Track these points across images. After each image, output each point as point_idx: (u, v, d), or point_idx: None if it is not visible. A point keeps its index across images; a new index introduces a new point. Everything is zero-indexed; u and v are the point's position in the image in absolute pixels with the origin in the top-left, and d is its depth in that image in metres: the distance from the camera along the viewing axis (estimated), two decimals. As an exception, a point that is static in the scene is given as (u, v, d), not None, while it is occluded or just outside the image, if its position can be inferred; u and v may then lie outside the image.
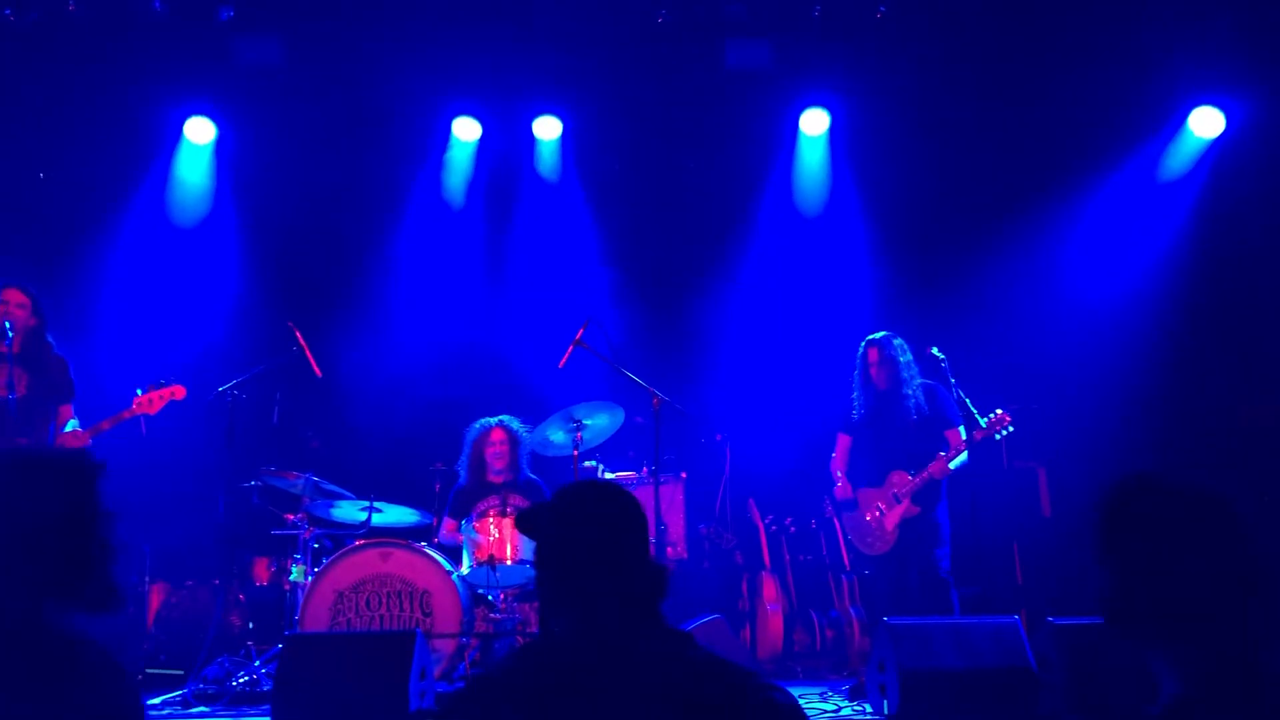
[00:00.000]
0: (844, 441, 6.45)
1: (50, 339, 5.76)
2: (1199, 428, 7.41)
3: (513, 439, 6.69)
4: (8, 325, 5.50)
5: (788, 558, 7.60)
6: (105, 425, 5.67)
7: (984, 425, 5.82)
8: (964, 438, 5.93)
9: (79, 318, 7.34)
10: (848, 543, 7.43)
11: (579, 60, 7.76)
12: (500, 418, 6.76)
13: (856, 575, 7.37)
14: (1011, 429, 5.82)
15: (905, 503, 6.03)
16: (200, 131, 7.93)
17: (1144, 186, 7.83)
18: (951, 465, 5.92)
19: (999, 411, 5.85)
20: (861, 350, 6.32)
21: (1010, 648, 4.72)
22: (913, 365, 6.22)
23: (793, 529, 7.71)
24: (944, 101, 7.78)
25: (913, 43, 7.58)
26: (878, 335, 6.29)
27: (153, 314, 7.76)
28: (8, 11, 7.02)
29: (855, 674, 6.30)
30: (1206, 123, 7.59)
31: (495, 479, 6.69)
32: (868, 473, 6.27)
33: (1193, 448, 7.26)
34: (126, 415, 5.70)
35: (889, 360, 6.17)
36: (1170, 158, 7.81)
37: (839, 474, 6.37)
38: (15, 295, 5.58)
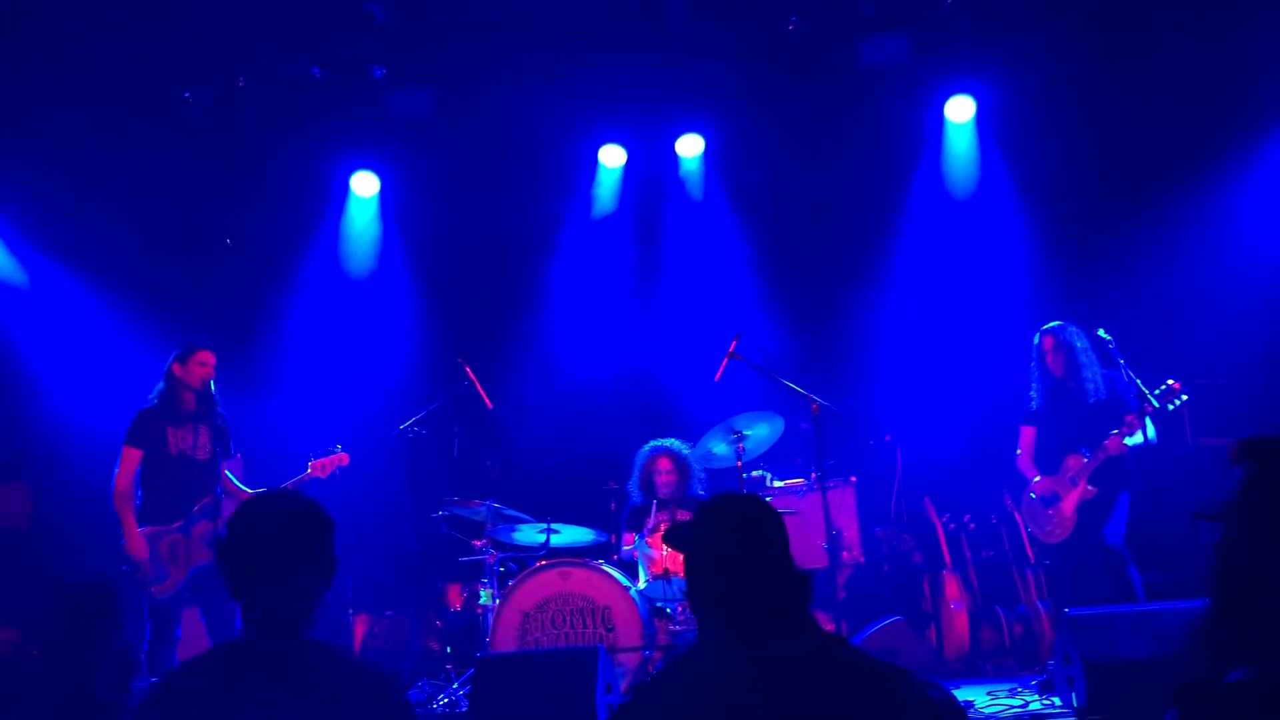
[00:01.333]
0: (1028, 434, 6.38)
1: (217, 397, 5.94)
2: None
3: (677, 463, 6.82)
4: (212, 385, 5.83)
5: (969, 555, 7.46)
6: (289, 486, 5.94)
7: (1155, 397, 5.71)
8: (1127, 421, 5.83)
9: (267, 370, 7.92)
10: (1030, 536, 7.27)
11: (715, 76, 7.86)
12: (665, 443, 6.88)
13: (1042, 568, 7.18)
14: (1185, 398, 5.70)
15: (1082, 485, 5.95)
16: (365, 185, 8.42)
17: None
18: (1128, 442, 5.79)
19: (1171, 382, 5.74)
20: (1037, 340, 6.29)
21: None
22: (1090, 352, 6.14)
23: (972, 525, 7.56)
24: (1088, 80, 7.55)
25: (1052, 20, 7.38)
26: (1052, 324, 6.26)
27: (334, 362, 8.28)
28: (187, 95, 7.62)
29: (1046, 669, 6.14)
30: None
31: (664, 495, 6.84)
32: (1047, 462, 6.21)
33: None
34: (305, 479, 6.04)
35: (1065, 347, 6.13)
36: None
37: (1032, 472, 6.28)
38: (211, 358, 5.89)
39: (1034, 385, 6.33)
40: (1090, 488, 5.93)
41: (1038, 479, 6.22)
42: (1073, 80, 7.59)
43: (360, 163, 8.37)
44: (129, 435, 5.72)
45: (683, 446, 6.89)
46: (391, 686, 2.32)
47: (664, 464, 6.83)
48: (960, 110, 8.02)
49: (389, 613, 7.54)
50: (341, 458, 6.16)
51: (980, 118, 8.03)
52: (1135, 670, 4.40)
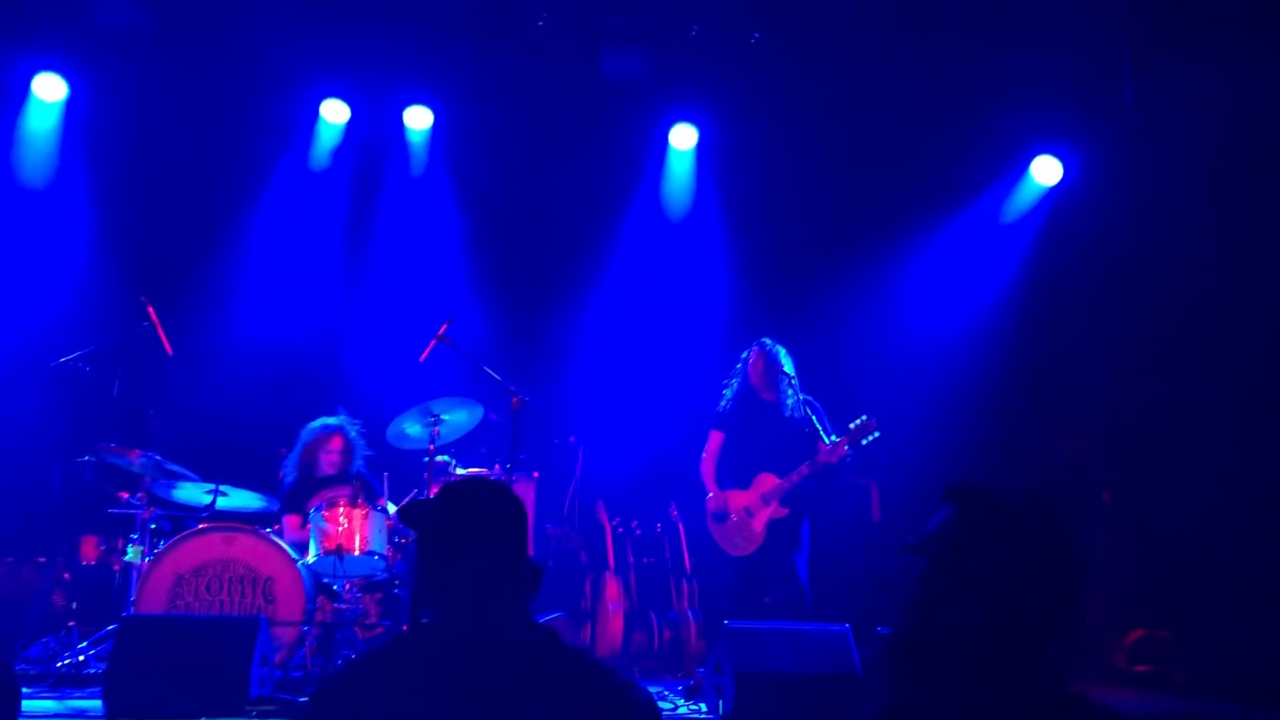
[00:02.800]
0: (715, 439, 6.49)
1: None
2: (1018, 452, 7.91)
3: (347, 441, 6.65)
4: None
5: (631, 560, 7.76)
6: None
7: (851, 429, 5.95)
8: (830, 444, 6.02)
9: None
10: (690, 547, 7.68)
11: (456, 53, 7.77)
12: (337, 421, 6.67)
13: (697, 579, 7.59)
14: (878, 435, 5.95)
15: (774, 504, 6.13)
16: (50, 89, 7.59)
17: (985, 228, 8.32)
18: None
19: (865, 417, 5.98)
20: (746, 354, 6.42)
21: (840, 654, 4.99)
22: (794, 378, 6.31)
23: (638, 532, 7.88)
24: (806, 130, 8.12)
25: (781, 71, 7.89)
26: (765, 340, 6.41)
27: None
28: None
29: (691, 675, 6.49)
30: (1047, 171, 8.12)
31: (325, 474, 6.63)
32: (734, 474, 6.34)
33: (1010, 469, 7.73)
34: None
35: (771, 361, 6.27)
36: (1012, 202, 8.33)
37: (711, 485, 6.41)
38: None
39: (728, 392, 6.47)
40: (782, 508, 6.12)
41: (711, 495, 6.40)
42: (788, 130, 8.13)
43: (48, 63, 7.52)
44: None
45: (354, 424, 6.72)
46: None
47: (336, 443, 6.63)
48: (684, 138, 8.37)
49: (9, 559, 6.82)
50: None
51: (701, 148, 8.41)
52: (781, 683, 4.76)
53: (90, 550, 6.72)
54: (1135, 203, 7.69)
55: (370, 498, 6.28)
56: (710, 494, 6.43)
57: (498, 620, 2.21)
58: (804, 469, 6.05)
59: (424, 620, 2.28)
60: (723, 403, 6.52)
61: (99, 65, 7.58)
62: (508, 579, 2.22)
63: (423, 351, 6.30)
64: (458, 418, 6.43)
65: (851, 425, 5.99)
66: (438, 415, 6.29)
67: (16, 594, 6.59)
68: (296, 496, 6.58)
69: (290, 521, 6.51)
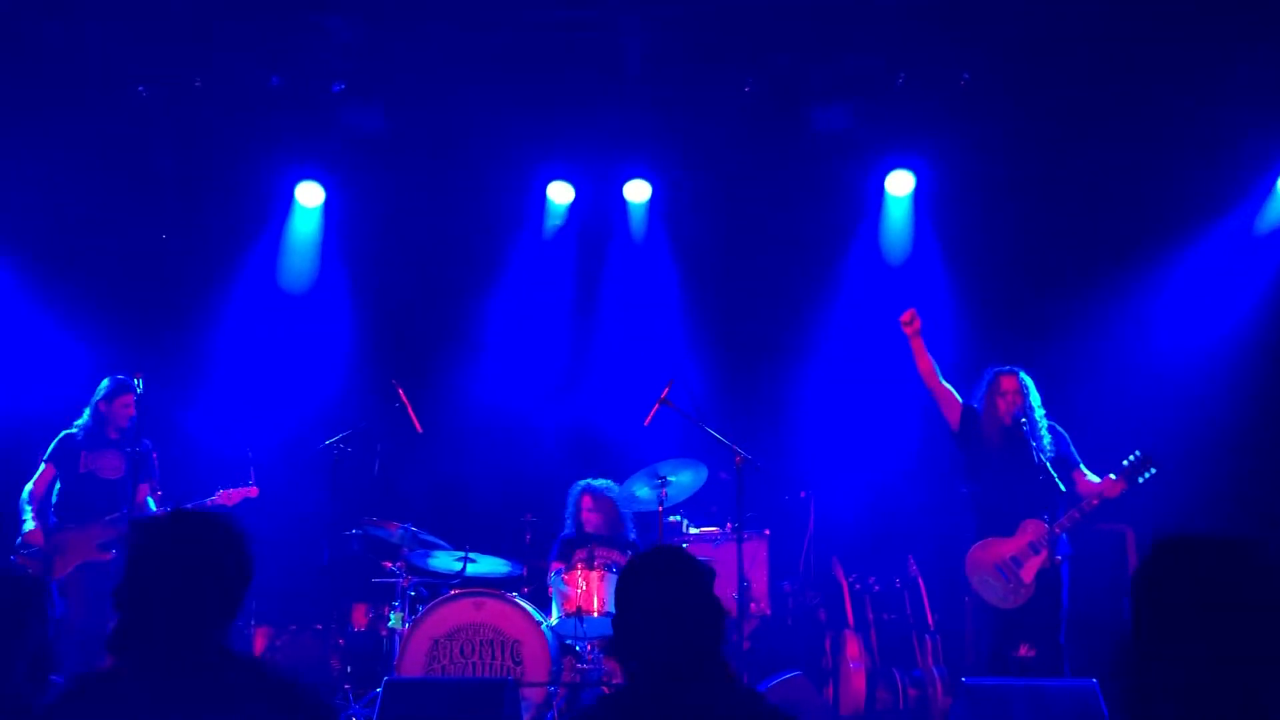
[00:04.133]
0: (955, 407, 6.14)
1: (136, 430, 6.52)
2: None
3: (598, 501, 6.94)
4: (131, 421, 6.46)
5: (871, 616, 7.62)
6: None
7: (1126, 465, 5.49)
8: (1097, 479, 5.62)
9: (196, 377, 7.84)
10: (932, 602, 7.48)
11: (669, 125, 8.04)
12: (589, 482, 7.02)
13: (940, 635, 7.38)
14: (1155, 471, 5.46)
15: (1044, 553, 5.72)
16: (310, 195, 8.38)
17: (1231, 246, 7.79)
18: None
19: (1139, 452, 5.51)
20: (992, 377, 6.07)
21: (1089, 712, 4.75)
22: (1040, 405, 5.95)
23: (876, 588, 7.74)
24: (1028, 164, 7.87)
25: (997, 106, 7.69)
26: (1010, 367, 6.08)
27: (267, 376, 8.19)
28: (141, 89, 7.56)
29: (938, 734, 6.31)
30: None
31: (591, 531, 6.94)
32: (993, 517, 5.96)
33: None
34: (208, 505, 6.54)
35: (1024, 391, 5.92)
36: (1260, 216, 7.77)
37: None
38: (132, 398, 6.47)
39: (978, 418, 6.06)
40: (1057, 557, 5.73)
41: (982, 542, 5.95)
42: (1010, 166, 7.91)
43: (307, 173, 8.33)
44: (48, 453, 6.62)
45: (608, 486, 6.99)
46: (313, 698, 2.37)
47: (586, 501, 6.95)
48: (900, 184, 8.28)
49: (292, 627, 7.45)
50: (250, 490, 6.68)
51: (919, 193, 8.30)
52: (1024, 743, 4.58)
53: (360, 617, 7.28)
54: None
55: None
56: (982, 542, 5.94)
57: (685, 672, 2.31)
58: (1075, 512, 5.65)
59: (631, 683, 2.41)
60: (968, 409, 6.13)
61: (346, 169, 8.31)
62: (688, 630, 2.32)
63: (647, 415, 6.49)
64: (683, 479, 6.59)
65: (1126, 461, 5.52)
66: (664, 477, 6.46)
67: (298, 660, 7.21)
68: (567, 548, 6.90)
69: (556, 565, 6.79)
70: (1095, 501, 5.64)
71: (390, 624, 6.50)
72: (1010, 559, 5.85)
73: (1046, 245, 7.98)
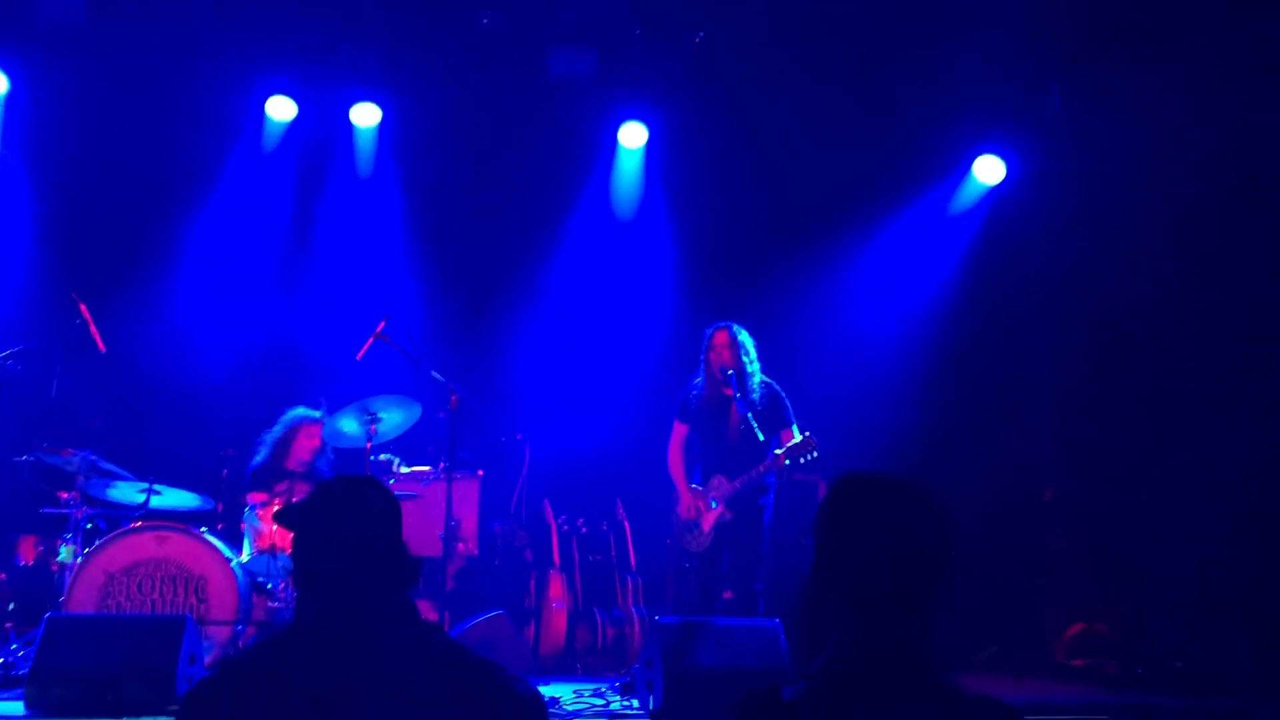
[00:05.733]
0: (679, 431, 6.30)
1: None
2: (961, 447, 7.97)
3: (312, 435, 6.64)
4: None
5: (577, 557, 7.77)
6: None
7: (790, 446, 5.76)
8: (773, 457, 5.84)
9: None
10: (636, 544, 7.71)
11: (402, 50, 7.75)
12: (318, 414, 6.67)
13: (642, 576, 7.61)
14: (816, 454, 5.74)
15: (720, 508, 6.00)
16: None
17: (928, 225, 8.39)
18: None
19: (807, 434, 5.79)
20: (708, 334, 6.18)
21: (770, 649, 5.01)
22: (755, 359, 6.13)
23: (584, 529, 7.89)
24: (754, 128, 8.16)
25: (726, 70, 7.92)
26: (723, 323, 6.20)
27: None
28: None
29: (630, 672, 6.48)
30: (989, 170, 8.19)
31: (296, 467, 6.61)
32: (698, 467, 6.20)
33: (953, 464, 7.78)
34: None
35: (736, 344, 6.07)
36: (955, 200, 8.40)
37: (682, 477, 6.20)
38: None
39: (696, 382, 6.24)
40: (728, 512, 5.99)
41: (683, 499, 6.17)
42: (736, 127, 8.17)
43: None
44: None
45: (325, 419, 6.71)
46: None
47: (315, 432, 6.62)
48: (633, 136, 8.37)
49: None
50: None
51: (650, 146, 8.41)
52: (709, 678, 4.78)
53: (28, 551, 6.64)
54: (1076, 201, 7.78)
55: None
56: (692, 486, 6.18)
57: (372, 613, 2.22)
58: (750, 474, 5.90)
59: (306, 618, 2.28)
60: (689, 393, 6.30)
61: (39, 61, 7.50)
62: (380, 574, 2.23)
63: (361, 349, 6.27)
64: (394, 416, 6.41)
65: (791, 442, 5.83)
66: (374, 414, 6.27)
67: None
68: (262, 477, 6.55)
69: (255, 497, 6.46)
70: (763, 469, 5.92)
71: (60, 558, 5.99)
72: (696, 508, 6.13)
73: (767, 208, 8.30)
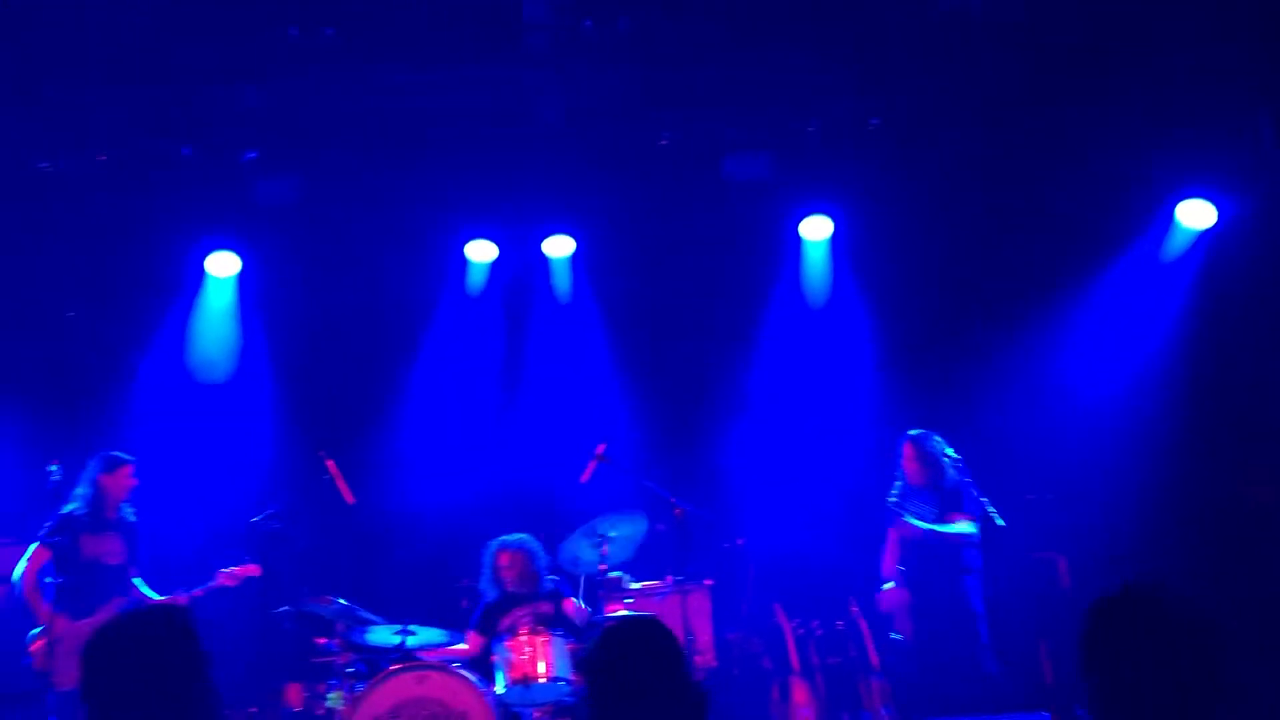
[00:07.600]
0: (892, 538, 6.51)
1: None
2: (1206, 508, 7.48)
3: (514, 555, 6.81)
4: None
5: (816, 661, 7.60)
6: (199, 594, 6.37)
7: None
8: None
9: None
10: (876, 643, 7.49)
11: (586, 180, 8.06)
12: (504, 538, 6.88)
13: (886, 676, 7.38)
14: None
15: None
16: (223, 266, 8.15)
17: (1139, 278, 8.03)
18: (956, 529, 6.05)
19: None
20: (900, 443, 6.45)
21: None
22: (957, 459, 6.31)
23: (819, 631, 7.71)
24: (940, 204, 8.04)
25: (907, 149, 7.88)
26: (916, 431, 6.40)
27: (188, 456, 7.91)
28: (44, 164, 7.35)
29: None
30: (1197, 214, 7.79)
31: (515, 590, 6.80)
32: None
33: (1200, 529, 7.31)
34: (215, 587, 6.43)
35: (926, 457, 6.30)
36: (1165, 249, 8.02)
37: (889, 581, 6.41)
38: (133, 468, 6.37)
39: (896, 487, 6.43)
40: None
41: (887, 594, 6.38)
42: (922, 208, 8.07)
43: (221, 244, 8.14)
44: (44, 535, 6.14)
45: (522, 538, 6.88)
46: None
47: (503, 559, 6.81)
48: (816, 228, 8.38)
49: (225, 712, 7.16)
50: (253, 569, 6.48)
51: (836, 237, 8.41)
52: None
53: (295, 697, 7.01)
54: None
55: (557, 619, 6.43)
56: (888, 585, 6.31)
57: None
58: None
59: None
60: (891, 498, 6.45)
61: (264, 239, 8.13)
62: (673, 708, 2.27)
63: (583, 472, 6.43)
64: (623, 532, 6.52)
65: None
66: (604, 535, 6.39)
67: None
68: (491, 615, 6.76)
69: (472, 638, 6.68)
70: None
71: (328, 703, 6.29)
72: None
73: (967, 279, 8.14)
